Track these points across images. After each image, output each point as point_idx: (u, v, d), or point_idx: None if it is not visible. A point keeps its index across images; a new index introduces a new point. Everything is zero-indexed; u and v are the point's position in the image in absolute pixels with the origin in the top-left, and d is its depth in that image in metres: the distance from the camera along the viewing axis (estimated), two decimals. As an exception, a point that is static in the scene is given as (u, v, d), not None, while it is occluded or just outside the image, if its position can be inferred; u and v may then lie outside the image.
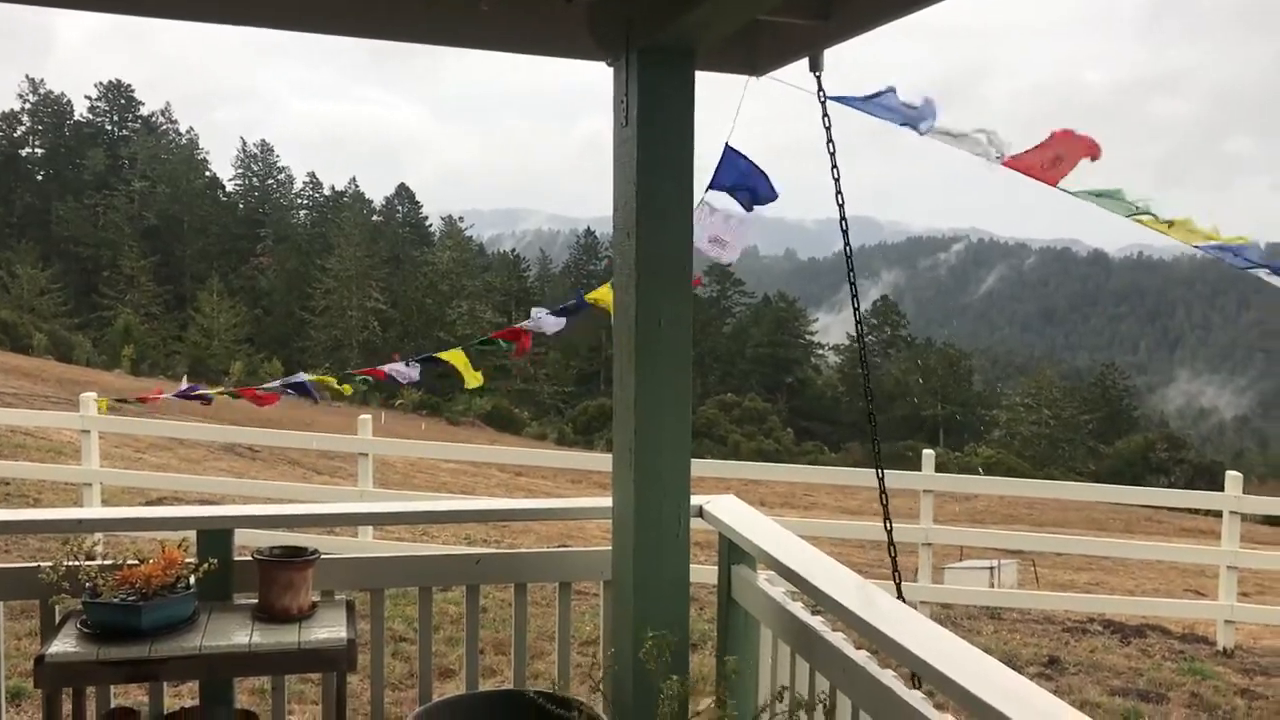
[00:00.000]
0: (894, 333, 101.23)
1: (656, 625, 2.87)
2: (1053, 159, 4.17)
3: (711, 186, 4.34)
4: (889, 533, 3.45)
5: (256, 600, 3.14)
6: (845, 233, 3.52)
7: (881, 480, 3.50)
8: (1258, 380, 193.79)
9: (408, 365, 7.28)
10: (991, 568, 15.22)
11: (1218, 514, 9.23)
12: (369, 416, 9.77)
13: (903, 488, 12.84)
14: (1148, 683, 7.60)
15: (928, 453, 9.31)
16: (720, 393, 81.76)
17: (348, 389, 7.80)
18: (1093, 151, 3.94)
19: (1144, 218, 4.44)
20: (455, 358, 7.36)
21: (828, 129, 3.82)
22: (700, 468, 13.35)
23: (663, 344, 2.82)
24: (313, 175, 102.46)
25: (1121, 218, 4.65)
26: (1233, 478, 8.83)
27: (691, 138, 2.81)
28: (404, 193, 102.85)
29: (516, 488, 26.86)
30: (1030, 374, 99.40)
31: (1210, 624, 9.00)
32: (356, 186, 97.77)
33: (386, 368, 7.40)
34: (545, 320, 6.77)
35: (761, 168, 4.21)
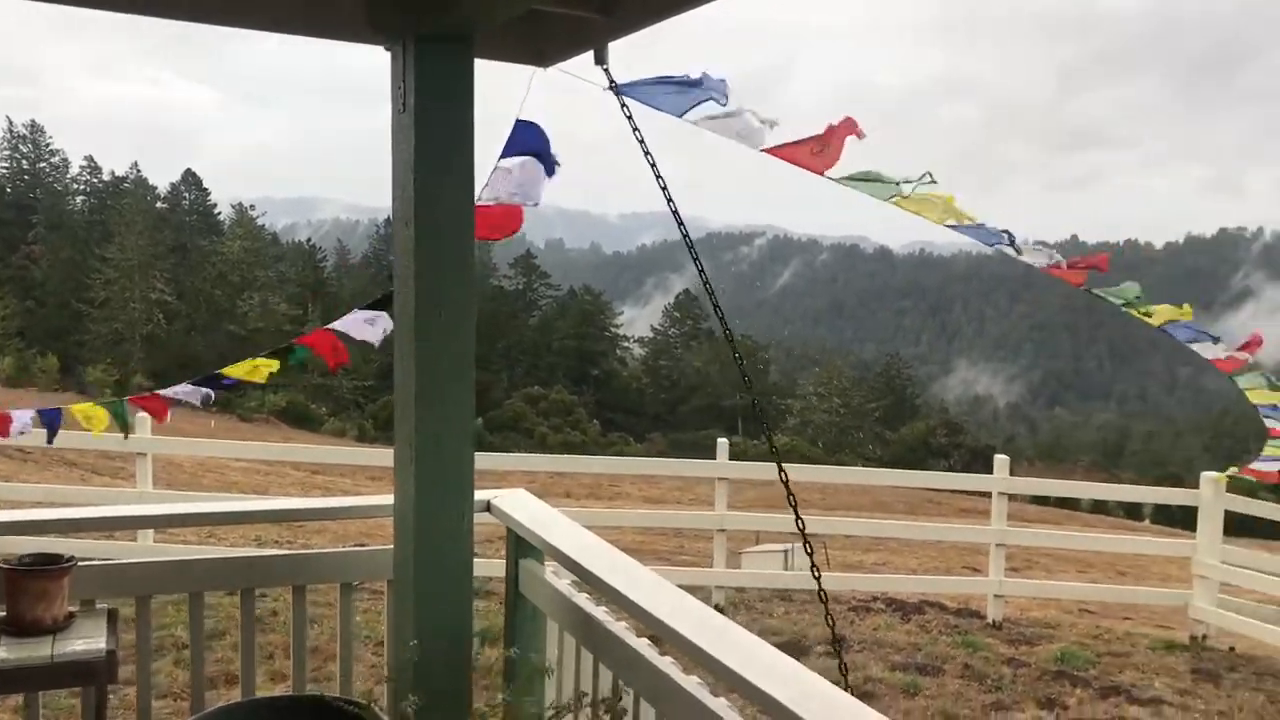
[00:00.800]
0: (695, 326, 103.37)
1: (440, 623, 2.83)
2: (820, 146, 4.33)
3: (505, 154, 4.36)
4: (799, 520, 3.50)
5: (4, 613, 2.91)
6: (676, 214, 3.54)
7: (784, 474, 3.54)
8: (1027, 370, 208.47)
9: (193, 389, 6.65)
10: (786, 551, 15.77)
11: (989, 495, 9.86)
12: (146, 415, 9.21)
13: (702, 476, 13.15)
14: (925, 656, 8.04)
15: (722, 441, 9.54)
16: (527, 385, 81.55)
17: (100, 422, 5.98)
18: (854, 130, 4.12)
19: (901, 200, 4.67)
20: (242, 370, 6.77)
21: (629, 118, 3.85)
22: (506, 461, 13.31)
23: (444, 336, 2.77)
24: (90, 160, 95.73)
25: (900, 213, 4.89)
26: (1000, 461, 9.43)
27: (471, 126, 2.77)
28: (191, 179, 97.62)
29: (314, 486, 25.99)
30: (822, 365, 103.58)
31: (982, 599, 9.59)
32: (139, 172, 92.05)
33: (169, 392, 6.60)
34: (354, 323, 6.37)
35: (548, 141, 4.26)
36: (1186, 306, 6.52)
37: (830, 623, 3.48)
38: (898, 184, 4.54)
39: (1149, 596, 10.84)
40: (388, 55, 2.89)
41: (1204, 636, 8.95)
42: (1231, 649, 8.90)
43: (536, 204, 4.60)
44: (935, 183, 4.76)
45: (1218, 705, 7.33)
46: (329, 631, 5.12)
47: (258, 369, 6.48)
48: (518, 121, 4.26)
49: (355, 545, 11.50)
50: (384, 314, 5.82)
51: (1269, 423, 7.28)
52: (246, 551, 5.36)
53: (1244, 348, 6.86)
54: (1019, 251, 5.50)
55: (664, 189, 3.29)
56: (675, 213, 3.21)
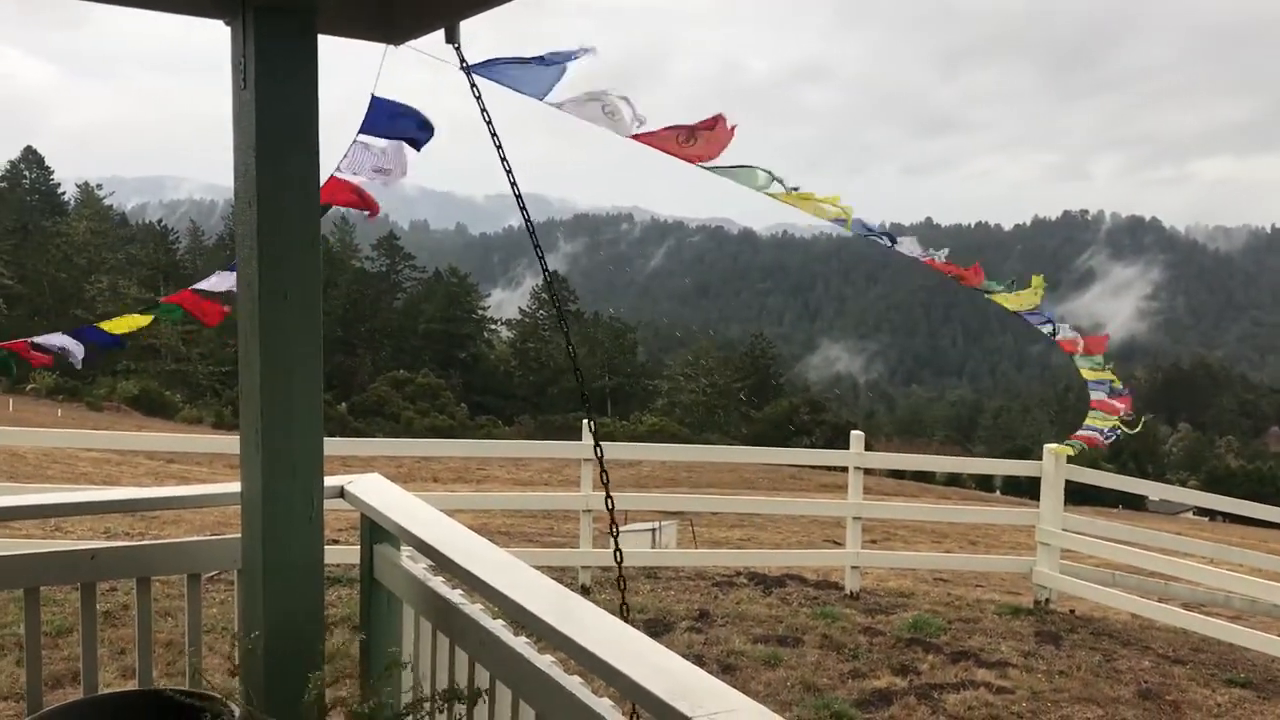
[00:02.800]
0: (562, 308, 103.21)
1: (290, 611, 2.77)
2: (687, 136, 4.39)
3: (362, 132, 4.28)
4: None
5: None
6: (519, 198, 3.51)
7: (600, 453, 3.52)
8: (885, 348, 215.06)
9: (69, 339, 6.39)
10: (653, 529, 15.96)
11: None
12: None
13: (569, 457, 13.16)
14: (786, 629, 8.25)
15: (587, 423, 9.56)
16: (392, 369, 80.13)
17: None
18: (723, 129, 4.19)
19: (773, 191, 4.78)
20: (122, 324, 6.58)
21: (478, 98, 3.80)
22: (371, 446, 13.06)
23: (289, 319, 2.70)
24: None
25: (763, 197, 4.99)
26: (856, 437, 9.72)
27: (316, 102, 2.70)
28: (31, 156, 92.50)
29: (168, 475, 25.05)
30: (689, 346, 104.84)
31: (841, 570, 9.87)
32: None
33: (44, 339, 6.43)
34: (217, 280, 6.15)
35: (411, 107, 4.20)
36: (1038, 278, 6.89)
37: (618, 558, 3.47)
38: (769, 180, 4.63)
39: (997, 564, 11.34)
40: (229, 30, 2.79)
41: (1047, 601, 9.42)
42: (1072, 611, 9.40)
43: (404, 174, 4.53)
44: (797, 189, 4.87)
45: (1059, 665, 7.73)
46: (184, 624, 4.95)
47: (132, 322, 6.25)
48: (373, 98, 4.19)
49: (213, 535, 11.14)
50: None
51: (1094, 395, 7.79)
52: (87, 544, 5.12)
53: (1090, 342, 7.35)
54: (893, 241, 5.70)
55: (509, 173, 3.26)
56: (519, 198, 3.20)
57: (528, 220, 3.12)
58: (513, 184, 3.36)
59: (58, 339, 6.55)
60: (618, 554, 3.19)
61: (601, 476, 3.33)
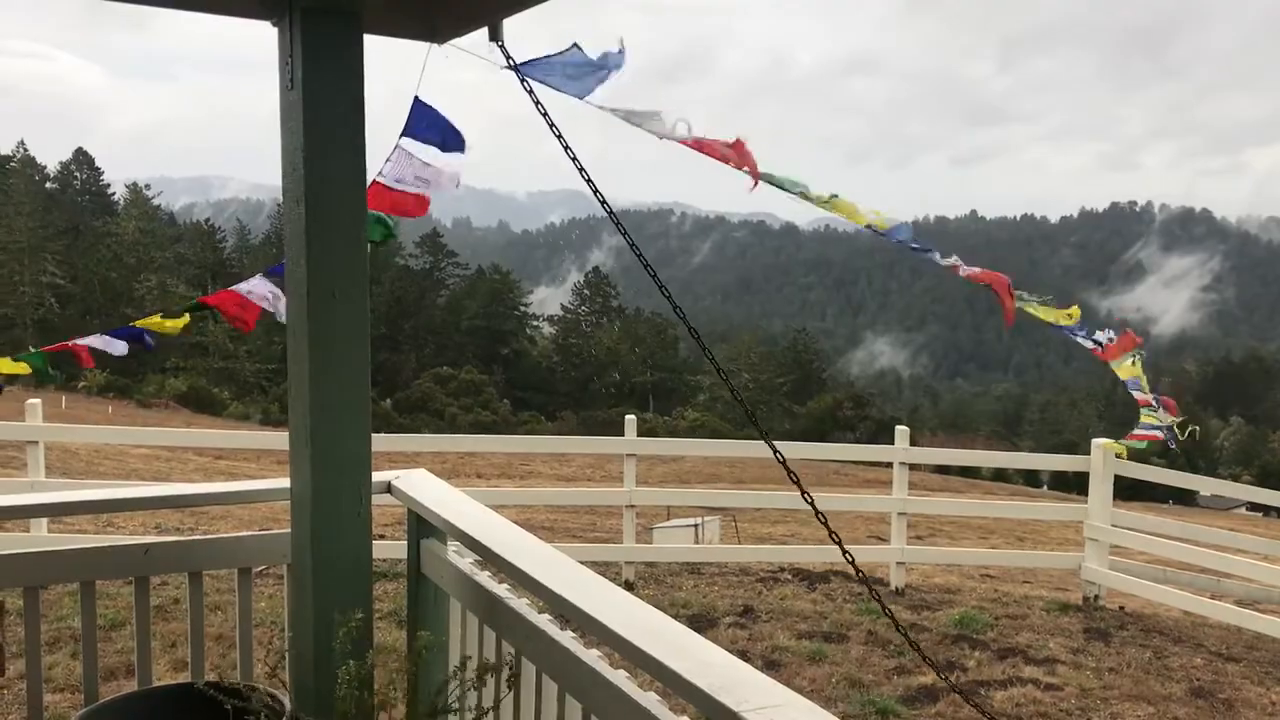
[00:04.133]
0: (605, 303, 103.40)
1: (339, 606, 2.80)
2: (731, 152, 4.42)
3: (405, 134, 4.32)
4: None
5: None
6: (591, 183, 3.53)
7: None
8: (930, 343, 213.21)
9: (110, 339, 6.61)
10: (696, 525, 15.95)
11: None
12: (38, 401, 8.93)
13: (611, 452, 13.17)
14: (831, 625, 8.21)
15: (630, 418, 9.58)
16: (436, 366, 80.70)
17: (23, 368, 6.99)
18: (748, 158, 4.22)
19: (810, 199, 4.78)
20: (156, 324, 6.78)
21: (530, 92, 3.82)
22: (416, 443, 13.18)
23: (337, 317, 2.73)
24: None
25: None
26: (901, 432, 9.64)
27: (362, 102, 2.72)
28: (82, 158, 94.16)
29: (217, 472, 25.44)
30: (731, 341, 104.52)
31: (886, 566, 9.81)
32: (26, 150, 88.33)
33: (86, 341, 6.68)
34: (259, 283, 6.28)
35: (449, 120, 4.24)
36: (1075, 309, 6.91)
37: (846, 554, 3.53)
38: (804, 194, 4.64)
39: (1044, 560, 11.21)
40: (275, 31, 2.83)
41: (1096, 597, 9.30)
42: (1121, 608, 9.28)
43: (457, 186, 4.56)
44: (836, 195, 4.87)
45: (1108, 663, 7.63)
46: (234, 618, 5.02)
47: (160, 323, 6.39)
48: (416, 100, 4.22)
49: (262, 531, 11.29)
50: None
51: (1135, 394, 7.74)
52: (139, 539, 5.22)
53: (1122, 341, 7.32)
54: (927, 251, 5.70)
55: (574, 160, 3.29)
56: (590, 182, 3.22)
57: (604, 203, 3.13)
58: (580, 169, 3.37)
59: (95, 340, 6.74)
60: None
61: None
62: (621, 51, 3.99)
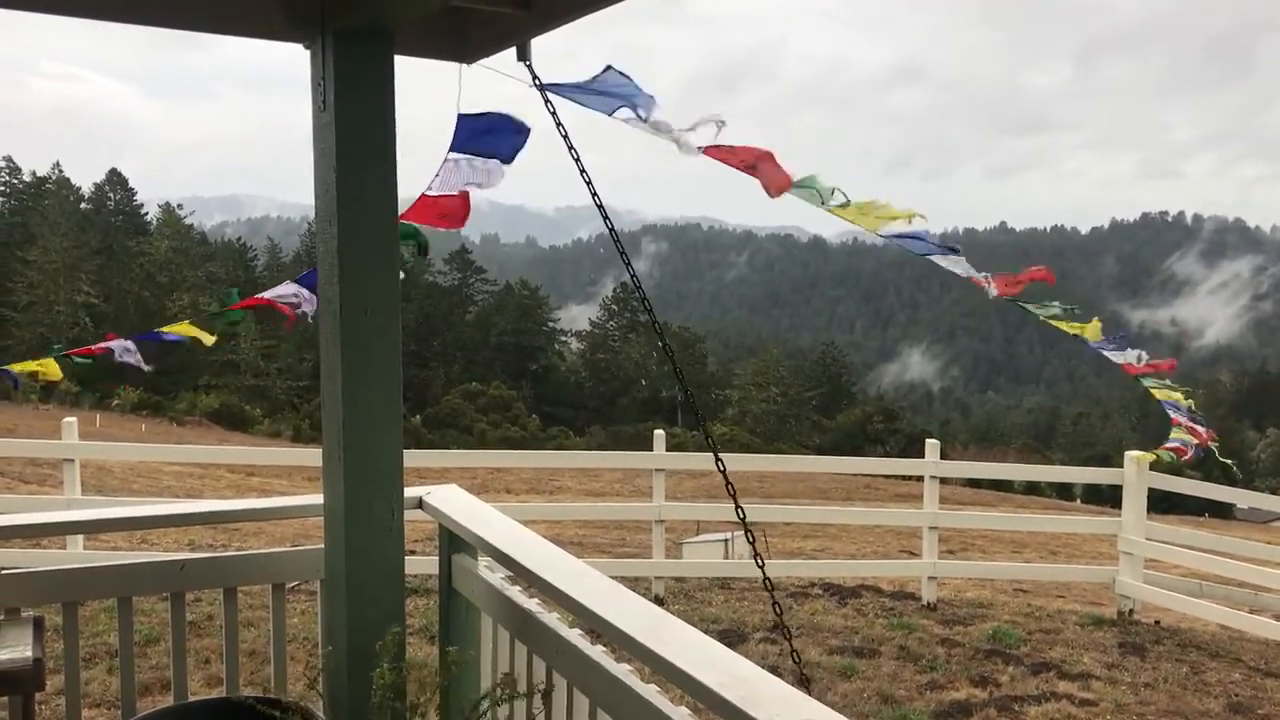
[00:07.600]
0: (633, 318, 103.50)
1: (372, 621, 2.83)
2: (750, 164, 4.42)
3: (452, 150, 4.38)
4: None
5: (-76, 626, 2.85)
6: (601, 208, 3.56)
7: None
8: (959, 355, 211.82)
9: (131, 343, 6.80)
10: (725, 540, 15.89)
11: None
12: (74, 419, 9.08)
13: (640, 467, 13.17)
14: (862, 640, 8.16)
15: (659, 433, 9.59)
16: (464, 382, 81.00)
17: (55, 371, 7.24)
18: (781, 186, 4.22)
19: (834, 207, 4.77)
20: (184, 329, 6.96)
21: (553, 113, 3.86)
22: (445, 458, 13.23)
23: (370, 334, 2.77)
24: (9, 159, 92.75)
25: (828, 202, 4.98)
26: (931, 445, 9.59)
27: (393, 123, 2.76)
28: (116, 178, 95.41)
29: (249, 488, 25.62)
30: (759, 354, 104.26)
31: (917, 581, 9.75)
32: (61, 172, 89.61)
33: (110, 344, 6.87)
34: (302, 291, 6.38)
35: (501, 114, 4.26)
36: (1096, 322, 6.90)
37: (778, 611, 3.54)
38: (828, 197, 4.64)
39: (1078, 574, 11.09)
40: (308, 53, 2.87)
41: (1131, 611, 9.20)
42: (1157, 622, 9.17)
43: (503, 173, 4.60)
44: (849, 201, 4.87)
45: (1143, 678, 7.55)
46: (267, 634, 5.06)
47: (187, 329, 6.55)
48: (460, 117, 4.26)
49: (293, 547, 11.37)
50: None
51: (1171, 413, 7.70)
52: (175, 555, 5.28)
53: (1156, 365, 7.29)
54: (954, 251, 5.68)
55: (588, 183, 3.31)
56: (600, 206, 3.24)
57: (612, 231, 3.15)
58: (593, 194, 3.40)
59: (119, 343, 6.89)
60: (760, 563, 3.21)
61: (728, 488, 3.33)
62: (651, 98, 4.03)
